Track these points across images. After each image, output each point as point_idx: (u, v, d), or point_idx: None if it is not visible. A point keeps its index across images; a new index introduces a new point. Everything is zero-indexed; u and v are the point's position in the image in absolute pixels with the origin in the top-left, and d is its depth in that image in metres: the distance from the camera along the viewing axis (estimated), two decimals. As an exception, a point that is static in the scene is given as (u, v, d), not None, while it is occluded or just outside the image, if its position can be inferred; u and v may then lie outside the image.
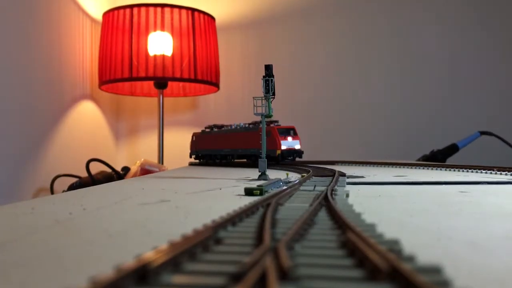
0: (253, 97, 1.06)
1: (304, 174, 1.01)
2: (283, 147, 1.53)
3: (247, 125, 1.71)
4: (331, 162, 1.79)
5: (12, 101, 1.73)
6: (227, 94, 2.55)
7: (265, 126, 1.44)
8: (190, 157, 2.03)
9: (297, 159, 1.60)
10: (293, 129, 1.60)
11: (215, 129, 1.89)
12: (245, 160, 1.74)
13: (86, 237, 0.43)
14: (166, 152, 2.29)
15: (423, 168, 1.46)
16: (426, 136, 2.49)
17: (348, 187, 0.83)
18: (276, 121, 1.61)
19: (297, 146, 1.57)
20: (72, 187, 1.78)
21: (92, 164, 1.80)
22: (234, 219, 0.42)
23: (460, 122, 2.51)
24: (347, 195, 0.69)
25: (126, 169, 1.96)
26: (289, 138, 1.56)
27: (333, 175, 0.95)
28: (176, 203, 0.65)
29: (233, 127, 1.78)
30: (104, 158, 1.92)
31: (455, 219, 0.52)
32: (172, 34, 2.09)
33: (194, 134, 2.01)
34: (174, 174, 1.33)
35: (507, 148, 2.22)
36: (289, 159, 1.58)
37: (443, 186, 0.90)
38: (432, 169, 1.43)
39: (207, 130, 1.93)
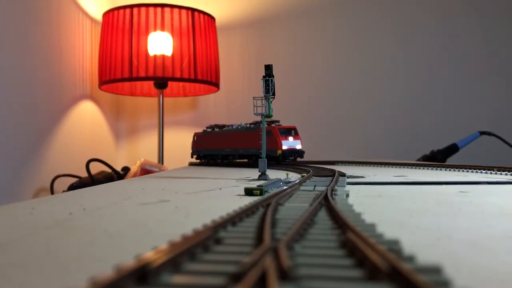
0: (253, 97, 1.06)
1: (304, 174, 1.01)
2: (284, 147, 1.53)
3: (248, 125, 1.71)
4: (331, 162, 1.79)
5: (12, 101, 1.73)
6: (227, 94, 2.55)
7: (266, 126, 1.44)
8: (192, 157, 2.02)
9: (298, 159, 1.60)
10: (294, 129, 1.59)
11: (216, 129, 1.88)
12: (246, 160, 1.74)
13: (86, 237, 0.43)
14: (166, 152, 2.29)
15: (423, 168, 1.45)
16: (426, 136, 2.49)
17: (348, 187, 0.82)
18: (277, 121, 1.61)
19: (298, 146, 1.57)
20: (72, 187, 1.79)
21: (92, 164, 1.80)
22: (234, 219, 0.42)
23: (460, 122, 2.51)
24: (347, 195, 0.69)
25: (126, 169, 1.96)
26: (290, 138, 1.56)
27: (333, 175, 0.95)
28: (176, 203, 0.65)
29: (234, 127, 1.78)
30: (104, 158, 1.92)
31: (455, 219, 0.52)
32: (172, 34, 2.09)
33: (195, 134, 2.01)
34: (174, 174, 1.33)
35: (507, 148, 2.22)
36: (290, 159, 1.57)
37: (443, 186, 0.90)
38: (432, 169, 1.43)
39: (208, 130, 1.93)
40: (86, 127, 2.26)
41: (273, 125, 1.58)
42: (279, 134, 1.54)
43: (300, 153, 1.57)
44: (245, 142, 1.67)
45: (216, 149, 1.86)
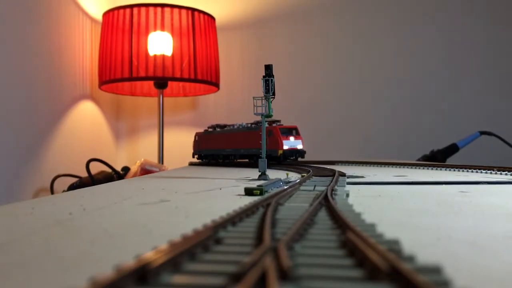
0: (253, 97, 1.06)
1: (304, 174, 1.01)
2: (285, 147, 1.52)
3: (249, 125, 1.70)
4: (331, 162, 1.79)
5: (12, 101, 1.73)
6: (227, 94, 2.55)
7: (267, 126, 1.43)
8: (193, 157, 2.01)
9: (299, 159, 1.59)
10: (295, 128, 1.58)
11: (218, 129, 1.87)
12: (247, 160, 1.73)
13: (86, 237, 0.43)
14: (166, 152, 2.28)
15: (423, 168, 1.45)
16: (426, 136, 2.49)
17: (348, 187, 0.82)
18: (278, 121, 1.60)
19: (300, 146, 1.56)
20: (72, 187, 1.78)
21: (92, 164, 1.80)
22: (234, 219, 0.42)
23: (460, 122, 2.51)
24: (347, 195, 0.69)
25: (126, 169, 1.96)
26: (291, 138, 1.55)
27: (333, 175, 0.95)
28: (176, 203, 0.65)
29: (235, 126, 1.77)
30: (104, 158, 1.92)
31: (455, 219, 0.52)
32: (172, 34, 2.09)
33: (197, 134, 1.99)
34: (174, 174, 1.33)
35: (507, 148, 2.22)
36: (291, 159, 1.56)
37: (443, 186, 0.90)
38: (432, 169, 1.43)
39: (210, 130, 1.92)
40: (86, 127, 2.26)
41: (274, 124, 1.58)
42: (280, 134, 1.53)
43: (301, 153, 1.56)
44: (246, 142, 1.66)
45: (217, 149, 1.85)
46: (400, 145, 2.52)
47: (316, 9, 2.59)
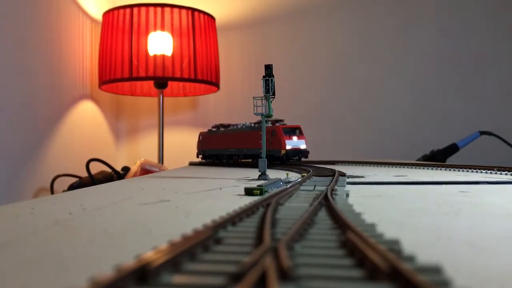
0: (253, 97, 1.06)
1: (304, 174, 1.01)
2: (288, 147, 1.51)
3: (252, 125, 1.68)
4: (331, 162, 1.79)
5: (12, 101, 1.73)
6: (227, 94, 2.55)
7: (269, 125, 1.43)
8: (197, 156, 2.00)
9: (302, 159, 1.58)
10: (298, 128, 1.56)
11: (222, 129, 1.86)
12: (250, 160, 1.72)
13: (86, 237, 0.43)
14: (166, 152, 2.28)
15: (423, 168, 1.45)
16: (426, 136, 2.49)
17: (348, 187, 0.82)
18: (281, 120, 1.59)
19: (303, 146, 1.54)
20: (72, 187, 1.78)
21: (92, 164, 1.80)
22: (234, 219, 0.42)
23: (460, 122, 2.51)
24: (347, 195, 0.69)
25: (126, 169, 1.96)
26: (294, 138, 1.53)
27: (333, 175, 0.95)
28: (176, 203, 0.65)
29: (239, 126, 1.76)
30: (104, 158, 1.92)
31: (455, 219, 0.52)
32: (172, 34, 2.09)
33: (201, 134, 1.98)
34: (174, 174, 1.33)
35: (507, 148, 2.21)
36: (294, 159, 1.55)
37: (443, 186, 0.90)
38: (432, 169, 1.43)
39: (214, 129, 1.91)
40: (86, 127, 2.26)
41: (277, 124, 1.57)
42: (283, 134, 1.52)
43: (304, 153, 1.54)
44: (249, 142, 1.63)
45: (221, 149, 1.84)
46: (400, 145, 2.52)
47: (316, 8, 2.59)
